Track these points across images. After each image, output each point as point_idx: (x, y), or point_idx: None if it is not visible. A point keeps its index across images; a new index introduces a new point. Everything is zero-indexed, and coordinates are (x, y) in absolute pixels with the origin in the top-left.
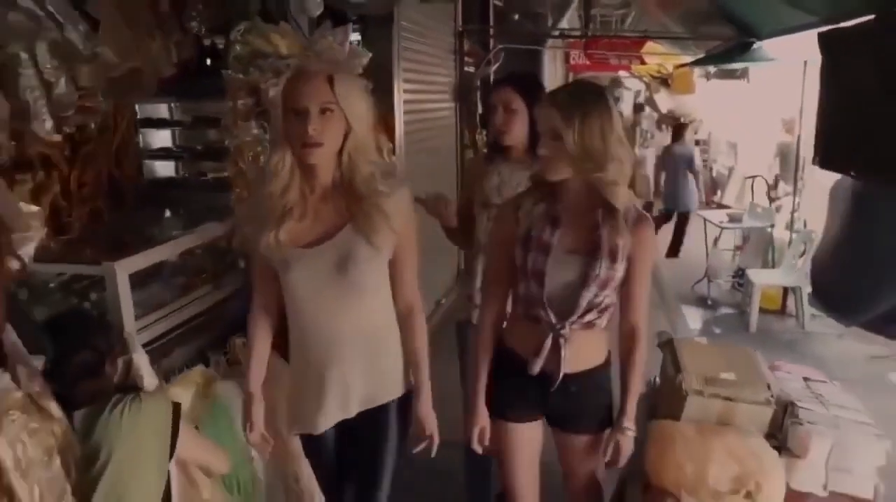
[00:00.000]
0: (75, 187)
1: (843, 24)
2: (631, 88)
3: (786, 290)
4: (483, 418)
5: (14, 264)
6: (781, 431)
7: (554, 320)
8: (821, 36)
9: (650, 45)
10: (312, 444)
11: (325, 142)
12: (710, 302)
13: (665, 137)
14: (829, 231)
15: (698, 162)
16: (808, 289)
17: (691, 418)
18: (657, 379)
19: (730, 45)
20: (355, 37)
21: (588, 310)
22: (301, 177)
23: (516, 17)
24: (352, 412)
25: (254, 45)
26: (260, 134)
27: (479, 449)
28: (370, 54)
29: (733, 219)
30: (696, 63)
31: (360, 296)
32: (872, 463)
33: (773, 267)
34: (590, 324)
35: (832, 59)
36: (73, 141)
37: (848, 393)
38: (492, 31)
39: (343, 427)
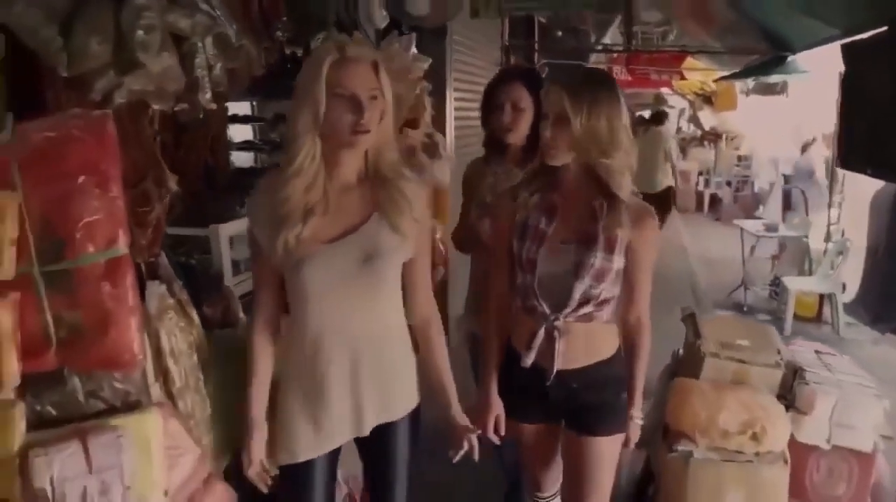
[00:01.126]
0: (180, 168)
1: (861, 36)
2: (675, 107)
3: (822, 298)
4: (496, 406)
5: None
6: (791, 392)
7: (547, 311)
8: (843, 47)
9: (690, 61)
10: (300, 477)
11: (372, 127)
12: (746, 309)
13: (708, 153)
14: (870, 240)
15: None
16: (842, 297)
17: (708, 378)
18: (681, 351)
19: (765, 59)
20: (428, 59)
21: (584, 303)
22: (325, 172)
23: (559, 33)
24: (365, 429)
25: None
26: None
27: (495, 439)
28: (430, 59)
29: (769, 228)
30: (733, 76)
31: (380, 294)
32: (872, 421)
33: (810, 275)
34: (587, 317)
35: (851, 68)
36: (176, 128)
37: (855, 366)
38: (536, 46)
39: (335, 452)
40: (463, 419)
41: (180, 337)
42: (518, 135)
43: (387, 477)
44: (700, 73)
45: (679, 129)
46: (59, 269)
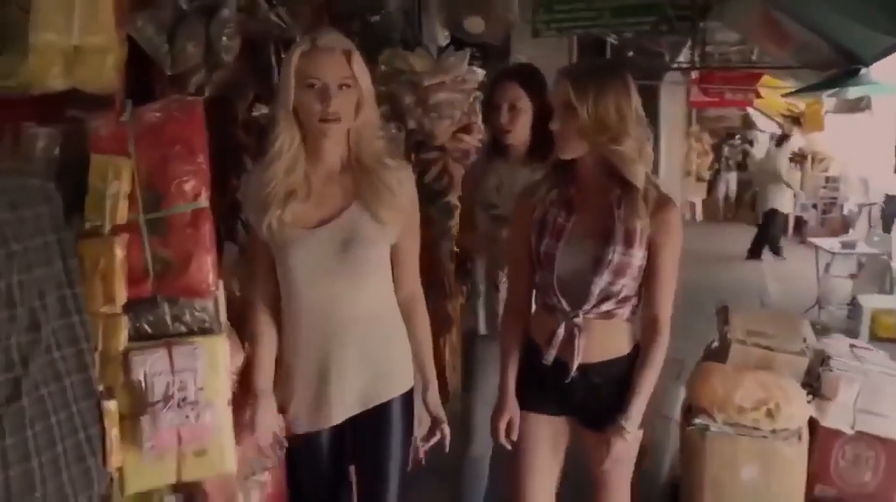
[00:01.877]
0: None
1: None
2: (766, 131)
3: None
4: (511, 409)
5: None
6: (817, 380)
7: (567, 308)
8: None
9: (767, 79)
10: (307, 449)
11: (343, 117)
12: (819, 327)
13: (793, 175)
14: None
15: None
16: None
17: (734, 363)
18: (715, 343)
19: (838, 73)
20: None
21: (604, 299)
22: (305, 157)
23: (630, 53)
24: (356, 408)
25: (395, 66)
26: (396, 133)
27: (506, 444)
28: (484, 71)
29: (846, 245)
30: (806, 90)
31: (365, 280)
32: None
33: (891, 294)
34: (608, 314)
35: None
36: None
37: (889, 359)
38: None
39: (340, 429)
40: (437, 407)
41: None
42: (516, 136)
43: (378, 457)
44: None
45: (768, 152)
46: (158, 217)
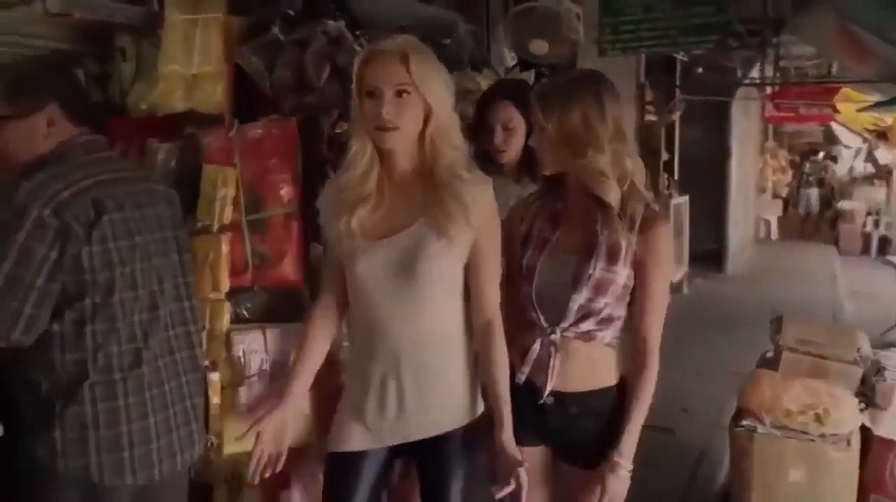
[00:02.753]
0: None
1: None
2: (851, 146)
3: None
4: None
5: None
6: (872, 390)
7: (545, 324)
8: None
9: (847, 92)
10: (349, 471)
11: (402, 125)
12: None
13: (877, 192)
14: None
15: None
16: None
17: (785, 371)
18: (769, 353)
19: None
20: None
21: (583, 317)
22: (380, 165)
23: (700, 70)
24: (409, 435)
25: (464, 86)
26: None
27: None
28: None
29: None
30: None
31: (428, 299)
32: None
33: None
34: (588, 336)
35: None
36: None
37: None
38: (678, 83)
39: (386, 456)
40: (512, 447)
41: None
42: (510, 155)
43: (437, 493)
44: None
45: (851, 169)
46: (257, 218)
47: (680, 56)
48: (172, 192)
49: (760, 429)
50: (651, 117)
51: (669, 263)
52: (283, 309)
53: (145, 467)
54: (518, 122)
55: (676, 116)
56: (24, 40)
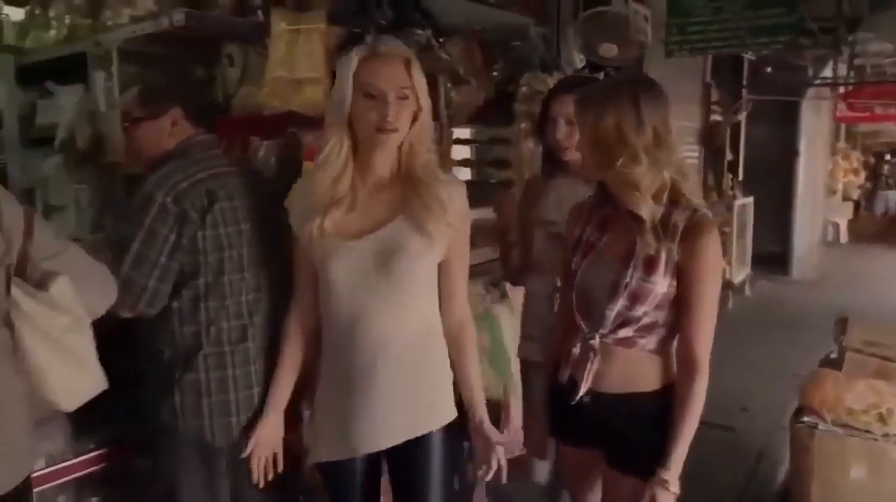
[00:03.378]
0: None
1: None
2: None
3: None
4: (540, 424)
5: None
6: None
7: (586, 329)
8: None
9: None
10: (339, 480)
11: (400, 128)
12: None
13: None
14: None
15: None
16: None
17: (850, 371)
18: (833, 354)
19: None
20: None
21: (622, 325)
22: (354, 167)
23: (768, 69)
24: (390, 439)
25: (535, 87)
26: (535, 149)
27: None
28: None
29: None
30: None
31: (407, 297)
32: None
33: None
34: (628, 342)
35: None
36: None
37: None
38: (745, 83)
39: (372, 462)
40: (489, 428)
41: None
42: (574, 152)
43: (418, 495)
44: None
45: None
46: None
47: (748, 55)
48: (274, 185)
49: (822, 426)
50: (717, 117)
51: (715, 272)
52: None
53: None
54: (568, 119)
55: (743, 116)
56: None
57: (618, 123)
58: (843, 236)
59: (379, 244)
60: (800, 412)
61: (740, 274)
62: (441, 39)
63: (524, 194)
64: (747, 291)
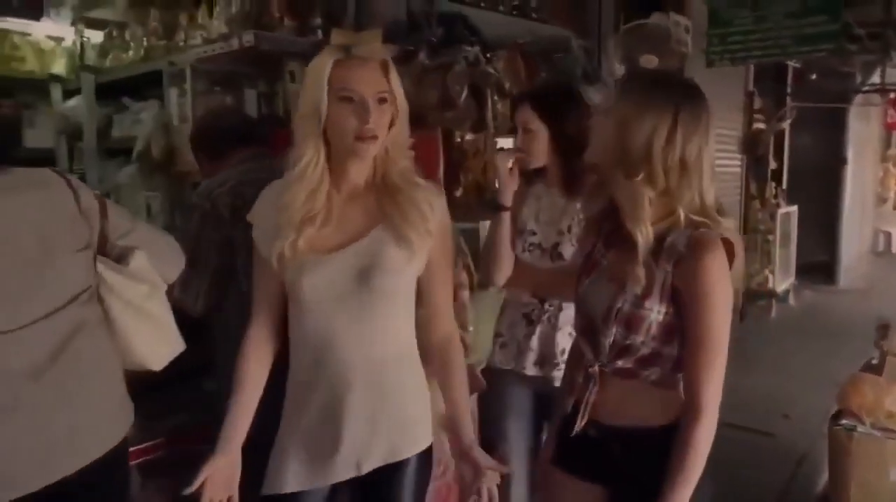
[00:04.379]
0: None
1: None
2: None
3: None
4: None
5: None
6: None
7: (588, 355)
8: None
9: None
10: None
11: (380, 134)
12: None
13: None
14: None
15: None
16: None
17: (891, 376)
18: (874, 360)
19: None
20: None
21: (619, 354)
22: (330, 180)
23: (814, 76)
24: (365, 465)
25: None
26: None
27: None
28: None
29: None
30: None
31: (386, 314)
32: None
33: None
34: (627, 373)
35: None
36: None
37: None
38: (789, 90)
39: (340, 491)
40: (483, 456)
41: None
42: (533, 159)
43: None
44: None
45: None
46: None
47: (792, 62)
48: None
49: (860, 429)
50: (760, 125)
51: (720, 299)
52: None
53: None
54: (536, 125)
55: (787, 124)
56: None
57: (652, 131)
58: (895, 245)
59: (357, 257)
60: (838, 415)
61: (784, 283)
62: (488, 55)
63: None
64: (791, 300)
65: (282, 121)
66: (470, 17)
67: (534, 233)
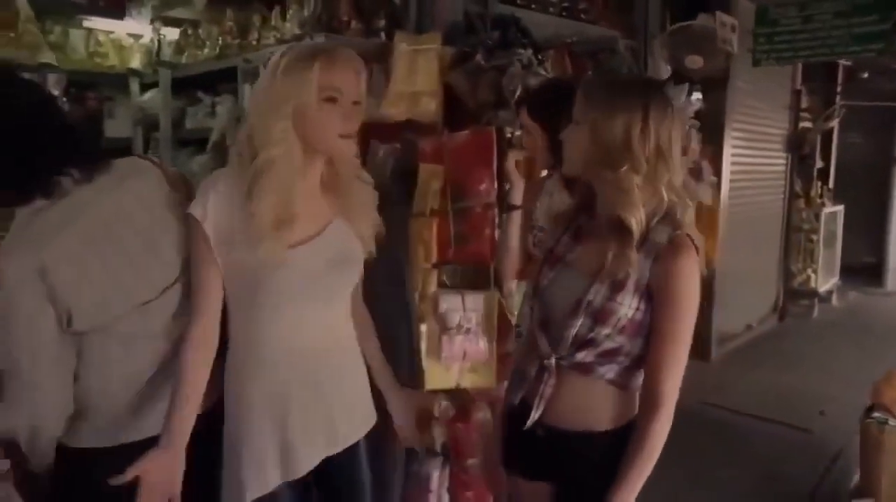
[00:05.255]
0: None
1: None
2: None
3: None
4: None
5: None
6: None
7: (544, 348)
8: None
9: None
10: None
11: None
12: None
13: None
14: None
15: None
16: None
17: None
18: None
19: None
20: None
21: (581, 347)
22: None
23: (865, 75)
24: (338, 445)
25: None
26: None
27: None
28: (700, 104)
29: None
30: None
31: (339, 304)
32: None
33: None
34: (586, 368)
35: None
36: None
37: None
38: (839, 89)
39: (302, 485)
40: (414, 393)
41: None
42: (539, 159)
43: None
44: None
45: None
46: (460, 207)
47: (843, 60)
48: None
49: (892, 422)
50: (806, 124)
51: (691, 300)
52: (476, 279)
53: None
54: (531, 126)
55: (835, 123)
56: None
57: (626, 128)
58: None
59: (324, 249)
60: (871, 409)
61: (826, 283)
62: (540, 57)
63: (525, 194)
64: (834, 301)
65: None
66: (522, 20)
67: (542, 230)
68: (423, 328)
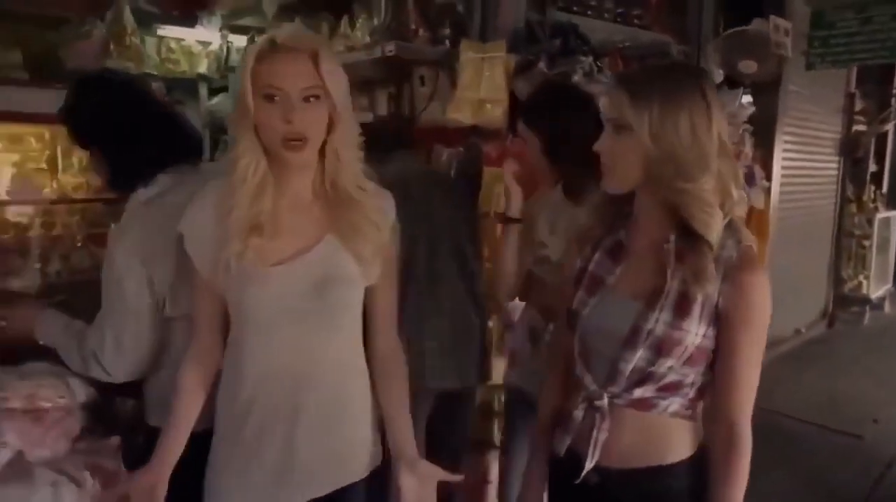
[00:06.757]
0: None
1: None
2: None
3: None
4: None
5: None
6: None
7: (591, 385)
8: None
9: None
10: None
11: (311, 137)
12: None
13: None
14: None
15: None
16: None
17: None
18: None
19: None
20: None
21: (639, 382)
22: (273, 183)
23: None
24: (315, 491)
25: None
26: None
27: None
28: (752, 108)
29: None
30: None
31: (336, 329)
32: None
33: None
34: (646, 404)
35: None
36: None
37: None
38: (894, 91)
39: None
40: (427, 466)
41: None
42: (536, 168)
43: None
44: None
45: None
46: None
47: None
48: (453, 181)
49: None
50: (860, 127)
51: (763, 319)
52: None
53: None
54: (526, 134)
55: (890, 126)
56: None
57: (693, 125)
58: None
59: (309, 269)
60: None
61: (879, 289)
62: (599, 64)
63: (524, 213)
64: (887, 308)
65: (406, 119)
66: (579, 26)
67: (545, 246)
68: (491, 324)
